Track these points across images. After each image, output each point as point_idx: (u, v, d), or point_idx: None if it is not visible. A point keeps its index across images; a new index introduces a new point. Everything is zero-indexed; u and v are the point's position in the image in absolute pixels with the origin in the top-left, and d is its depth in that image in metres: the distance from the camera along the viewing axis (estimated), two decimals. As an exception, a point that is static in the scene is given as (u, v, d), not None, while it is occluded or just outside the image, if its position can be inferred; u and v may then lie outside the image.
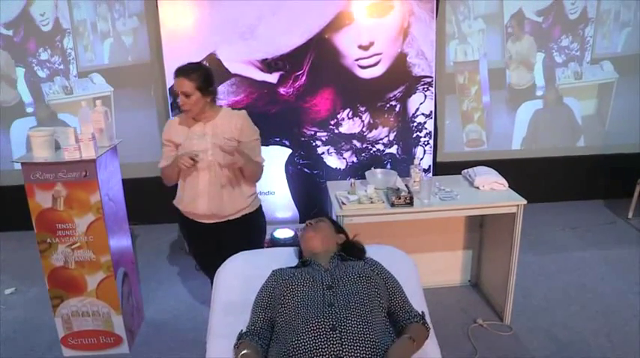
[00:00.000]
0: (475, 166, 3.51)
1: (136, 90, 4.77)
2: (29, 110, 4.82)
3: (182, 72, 2.61)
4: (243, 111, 2.79)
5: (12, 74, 4.71)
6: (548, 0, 4.83)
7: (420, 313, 1.98)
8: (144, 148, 4.84)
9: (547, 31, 4.90)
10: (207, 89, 2.65)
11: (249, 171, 2.73)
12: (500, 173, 3.36)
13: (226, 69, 4.18)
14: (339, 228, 2.37)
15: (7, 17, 4.56)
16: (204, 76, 2.64)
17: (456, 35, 4.80)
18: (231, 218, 2.80)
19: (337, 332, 1.76)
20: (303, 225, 2.35)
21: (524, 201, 3.09)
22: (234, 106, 4.17)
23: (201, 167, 2.69)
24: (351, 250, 2.26)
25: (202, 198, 2.73)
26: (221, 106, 2.81)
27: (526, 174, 4.72)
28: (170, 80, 4.17)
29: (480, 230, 3.68)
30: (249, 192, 2.84)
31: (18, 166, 2.75)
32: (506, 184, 3.27)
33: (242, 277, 2.27)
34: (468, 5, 4.75)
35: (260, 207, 2.94)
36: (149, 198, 4.60)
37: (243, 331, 1.96)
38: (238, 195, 2.78)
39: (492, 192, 3.25)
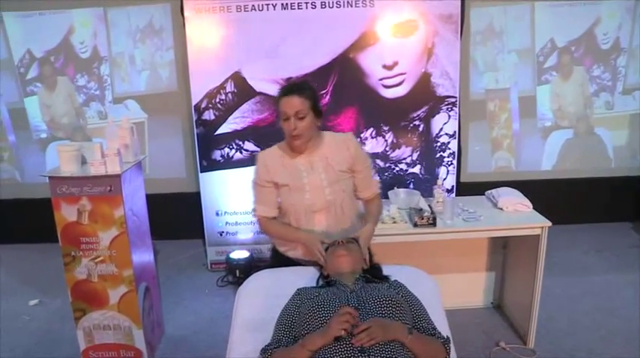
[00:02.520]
0: (499, 187, 3.48)
1: (165, 113, 4.87)
2: (61, 134, 4.94)
3: (294, 89, 2.24)
4: (350, 133, 2.42)
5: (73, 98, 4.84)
6: (580, 30, 4.77)
7: (445, 337, 1.94)
8: (167, 164, 4.90)
9: (578, 60, 4.85)
10: (318, 109, 2.28)
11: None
12: (524, 194, 3.32)
13: (251, 87, 4.20)
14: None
15: (50, 45, 4.71)
16: (315, 95, 2.28)
17: (488, 64, 4.79)
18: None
19: (366, 355, 1.73)
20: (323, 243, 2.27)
21: (549, 223, 3.06)
22: (258, 124, 4.23)
23: (317, 210, 2.32)
24: (373, 272, 2.23)
25: (333, 236, 2.33)
26: (320, 131, 2.38)
27: (551, 196, 4.63)
28: (196, 94, 4.21)
29: (504, 251, 3.63)
30: (361, 218, 2.49)
31: (47, 180, 2.79)
32: (531, 206, 3.24)
33: (263, 295, 2.24)
34: (497, 32, 4.74)
35: None
36: (172, 214, 4.63)
37: (267, 347, 1.93)
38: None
39: (516, 213, 3.21)
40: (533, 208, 3.24)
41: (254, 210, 2.42)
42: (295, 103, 2.20)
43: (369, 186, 2.45)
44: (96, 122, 4.86)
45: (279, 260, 2.47)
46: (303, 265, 2.40)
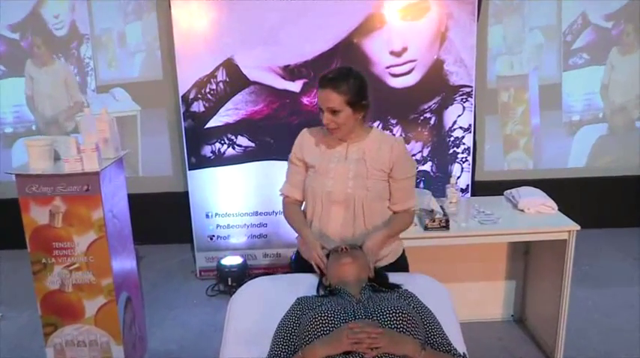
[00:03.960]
0: (519, 186, 3.47)
1: (150, 105, 4.82)
2: (34, 127, 4.85)
3: (329, 82, 2.24)
4: (401, 139, 2.46)
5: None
6: (620, 1, 4.64)
7: (462, 354, 1.94)
8: (153, 160, 4.87)
9: (617, 39, 4.75)
10: (360, 103, 2.27)
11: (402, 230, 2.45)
12: (548, 194, 3.32)
13: (244, 76, 4.20)
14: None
15: (13, 18, 4.54)
16: (358, 87, 2.26)
17: (501, 45, 4.70)
18: None
19: None
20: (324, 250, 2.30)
21: (577, 227, 3.04)
22: (252, 117, 4.22)
23: (335, 200, 2.34)
24: (380, 280, 2.22)
25: (332, 241, 2.36)
26: (372, 126, 2.43)
27: (579, 196, 4.59)
28: (183, 82, 4.20)
29: (525, 258, 3.62)
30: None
31: (13, 178, 2.75)
32: (556, 207, 3.23)
33: (258, 305, 2.24)
34: (516, 7, 4.64)
35: (403, 252, 2.56)
36: (157, 216, 4.64)
37: None
38: None
39: (539, 215, 3.20)
40: (559, 210, 3.23)
41: (281, 188, 2.50)
42: (329, 98, 2.23)
43: (405, 200, 2.42)
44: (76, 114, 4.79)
45: (301, 265, 2.46)
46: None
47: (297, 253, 2.55)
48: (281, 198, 2.53)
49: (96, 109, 4.49)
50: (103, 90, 4.71)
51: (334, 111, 2.23)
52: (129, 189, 3.19)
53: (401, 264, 2.51)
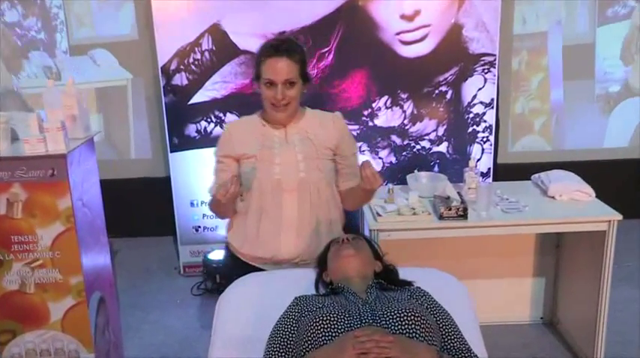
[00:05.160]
0: (549, 170, 3.47)
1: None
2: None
3: (284, 51, 2.29)
4: (339, 113, 2.54)
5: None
6: None
7: None
8: (128, 141, 4.84)
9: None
10: (308, 76, 2.39)
11: (363, 203, 2.55)
12: (583, 179, 3.32)
13: (234, 44, 4.19)
14: (376, 253, 2.32)
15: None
16: (305, 57, 2.37)
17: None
18: None
19: None
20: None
21: (619, 216, 3.02)
22: (243, 91, 4.26)
23: (286, 188, 2.40)
24: (388, 276, 2.22)
25: (288, 236, 2.43)
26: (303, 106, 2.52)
27: (621, 181, 4.52)
28: (163, 51, 4.16)
29: (557, 252, 3.63)
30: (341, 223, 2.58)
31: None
32: (593, 193, 3.22)
33: (250, 306, 2.25)
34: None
35: None
36: (134, 205, 4.68)
37: None
38: (336, 228, 2.50)
39: (573, 203, 3.20)
40: (597, 197, 3.22)
41: (210, 188, 2.52)
42: (285, 68, 2.27)
43: (354, 178, 2.45)
44: (41, 85, 4.53)
45: (236, 264, 2.54)
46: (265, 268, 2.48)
47: (227, 249, 2.62)
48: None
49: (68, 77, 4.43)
50: (78, 52, 4.56)
51: (290, 84, 2.29)
52: (101, 174, 3.18)
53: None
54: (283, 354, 1.93)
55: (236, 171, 2.44)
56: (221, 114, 4.27)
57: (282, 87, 2.28)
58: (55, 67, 4.55)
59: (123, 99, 4.61)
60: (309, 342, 1.87)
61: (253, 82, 2.40)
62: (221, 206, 2.41)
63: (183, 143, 4.32)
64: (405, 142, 4.42)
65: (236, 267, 2.52)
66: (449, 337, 1.93)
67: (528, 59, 4.69)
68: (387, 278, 2.20)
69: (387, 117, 4.36)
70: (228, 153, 2.46)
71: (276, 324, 2.02)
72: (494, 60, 4.27)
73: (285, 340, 1.96)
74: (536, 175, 3.48)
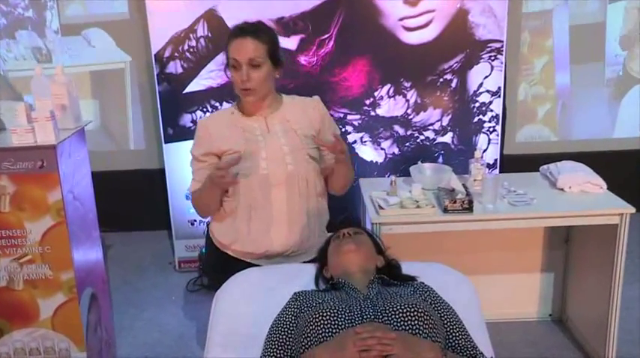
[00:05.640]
0: (557, 161, 3.47)
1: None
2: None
3: (249, 32, 2.32)
4: (317, 97, 2.57)
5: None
6: None
7: None
8: (127, 130, 4.84)
9: None
10: (279, 59, 2.39)
11: (348, 179, 2.53)
12: (594, 170, 3.30)
13: (230, 30, 4.12)
14: (378, 247, 2.33)
15: None
16: (275, 39, 2.40)
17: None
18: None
19: None
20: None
21: (632, 209, 3.01)
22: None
23: (275, 183, 2.41)
24: (391, 271, 2.23)
25: (279, 230, 2.44)
26: (280, 94, 2.55)
27: (633, 173, 4.50)
28: (156, 38, 4.13)
29: (566, 247, 3.63)
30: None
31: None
32: (604, 185, 3.20)
33: (248, 302, 2.25)
34: None
35: None
36: (127, 198, 4.67)
37: None
38: (324, 218, 2.57)
39: (583, 195, 3.20)
40: (608, 189, 3.21)
41: (189, 187, 2.52)
42: (249, 48, 2.29)
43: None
44: (29, 67, 4.55)
45: (218, 259, 2.57)
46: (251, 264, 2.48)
47: (207, 242, 2.64)
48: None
49: (60, 59, 4.34)
50: (70, 32, 4.50)
51: (255, 66, 2.30)
52: (93, 166, 3.18)
53: None
54: (282, 351, 1.94)
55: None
56: (217, 104, 4.26)
57: (247, 67, 2.29)
58: (46, 48, 4.46)
59: (120, 83, 4.55)
60: (308, 338, 1.87)
61: (226, 71, 2.41)
62: (206, 198, 2.43)
63: (178, 133, 4.30)
64: (409, 133, 4.41)
65: (221, 262, 2.54)
66: (453, 334, 1.94)
67: (531, 41, 4.63)
68: (390, 273, 2.20)
69: (389, 106, 4.35)
70: (208, 151, 2.44)
71: (275, 320, 2.02)
72: (502, 46, 4.24)
73: (285, 336, 1.96)
74: (545, 166, 3.47)
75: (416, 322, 1.86)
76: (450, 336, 1.94)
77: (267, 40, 2.33)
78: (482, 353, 1.93)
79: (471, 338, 1.96)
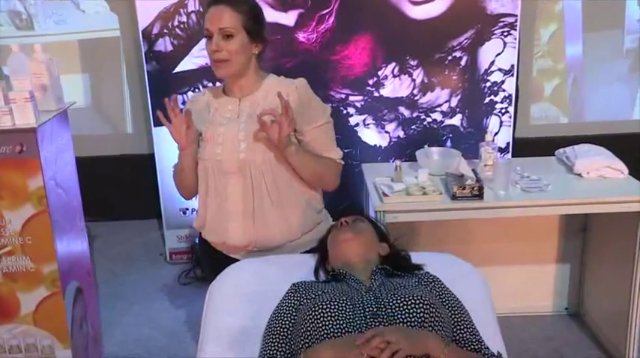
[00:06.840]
0: (575, 144, 3.46)
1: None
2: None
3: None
4: (301, 80, 2.46)
5: None
6: None
7: (496, 353, 1.95)
8: (106, 113, 4.83)
9: None
10: (257, 33, 2.35)
11: (307, 172, 2.40)
12: (614, 153, 3.30)
13: None
14: (381, 235, 2.33)
15: None
16: (258, 11, 2.37)
17: None
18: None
19: None
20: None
21: None
22: None
23: (229, 171, 2.38)
24: (396, 261, 2.23)
25: (234, 222, 2.41)
26: (268, 73, 2.49)
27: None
28: (144, 13, 4.12)
29: (583, 236, 3.63)
30: (312, 208, 2.52)
31: None
32: (626, 170, 3.20)
33: (244, 294, 2.26)
34: None
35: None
36: (114, 185, 4.66)
37: None
38: (293, 214, 2.44)
39: (602, 180, 3.20)
40: (630, 174, 3.21)
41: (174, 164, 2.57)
42: (222, 16, 2.27)
43: (322, 151, 2.46)
44: (10, 35, 4.50)
45: (208, 249, 2.57)
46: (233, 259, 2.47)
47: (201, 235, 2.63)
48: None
49: (43, 27, 4.25)
50: None
51: (227, 36, 2.28)
52: (77, 150, 3.17)
53: None
54: (282, 345, 1.95)
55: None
56: (210, 84, 4.22)
57: (218, 37, 2.28)
58: (26, 12, 4.35)
59: (114, 54, 4.48)
60: (308, 332, 1.88)
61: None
62: (180, 172, 2.48)
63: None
64: (415, 114, 4.40)
65: (212, 252, 2.57)
66: (459, 326, 1.95)
67: (538, 6, 4.61)
68: (394, 262, 2.21)
69: (394, 86, 4.33)
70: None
71: (274, 313, 2.03)
72: (515, 21, 4.21)
73: (284, 330, 1.97)
74: (561, 150, 3.47)
75: (421, 314, 1.87)
76: (456, 329, 1.95)
77: (246, 10, 2.30)
78: (487, 348, 1.94)
79: (476, 332, 1.97)
